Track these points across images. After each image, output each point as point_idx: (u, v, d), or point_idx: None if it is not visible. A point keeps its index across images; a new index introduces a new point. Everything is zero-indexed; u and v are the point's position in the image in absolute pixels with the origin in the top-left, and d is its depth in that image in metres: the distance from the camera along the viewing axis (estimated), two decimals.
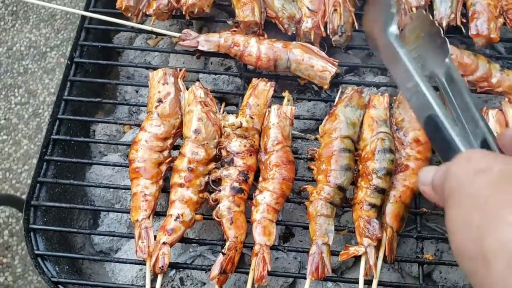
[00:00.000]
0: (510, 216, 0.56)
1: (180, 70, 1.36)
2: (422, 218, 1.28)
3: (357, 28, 1.44)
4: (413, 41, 1.04)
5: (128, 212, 1.24)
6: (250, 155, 1.23)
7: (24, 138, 2.93)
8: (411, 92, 0.84)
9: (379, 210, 1.18)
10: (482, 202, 0.60)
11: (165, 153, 1.27)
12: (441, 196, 0.69)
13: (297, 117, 1.35)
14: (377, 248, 1.15)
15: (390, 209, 1.19)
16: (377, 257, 1.14)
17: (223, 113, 1.30)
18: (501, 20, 1.40)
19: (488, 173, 0.63)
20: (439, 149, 0.79)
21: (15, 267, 2.59)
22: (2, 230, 2.68)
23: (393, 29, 0.95)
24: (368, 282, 1.13)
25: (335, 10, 1.41)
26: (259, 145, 1.26)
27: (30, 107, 3.01)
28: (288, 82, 1.49)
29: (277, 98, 1.36)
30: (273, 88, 1.32)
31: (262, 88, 1.31)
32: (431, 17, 1.04)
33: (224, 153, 1.24)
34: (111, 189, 1.45)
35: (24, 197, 2.52)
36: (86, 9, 1.57)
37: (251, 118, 1.26)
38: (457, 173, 0.66)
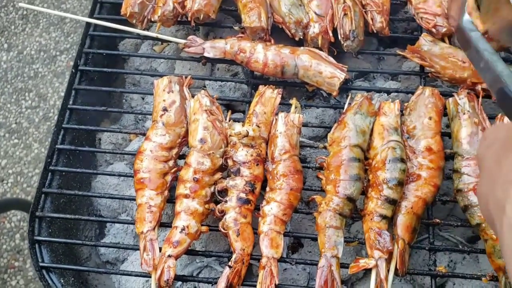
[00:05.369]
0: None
1: (186, 77, 1.33)
2: (435, 228, 1.24)
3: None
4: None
5: (134, 223, 1.21)
6: (257, 164, 1.20)
7: (35, 142, 2.93)
8: (484, 71, 0.93)
9: (390, 221, 1.15)
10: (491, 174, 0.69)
11: (171, 163, 1.24)
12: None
13: (305, 125, 1.32)
14: (388, 261, 1.11)
15: (402, 221, 1.15)
16: (388, 270, 1.10)
17: (229, 121, 1.28)
18: None
19: (492, 146, 0.72)
20: (510, 116, 0.87)
21: (27, 270, 2.60)
22: (13, 234, 2.69)
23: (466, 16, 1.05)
24: None
25: (345, 14, 1.37)
26: (266, 154, 1.23)
27: (40, 111, 3.01)
28: (296, 89, 1.46)
29: (284, 105, 1.33)
30: (280, 95, 1.29)
31: (269, 95, 1.28)
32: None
33: (230, 162, 1.21)
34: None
35: None
36: (91, 16, 1.54)
37: (258, 126, 1.23)
38: (478, 152, 0.79)
